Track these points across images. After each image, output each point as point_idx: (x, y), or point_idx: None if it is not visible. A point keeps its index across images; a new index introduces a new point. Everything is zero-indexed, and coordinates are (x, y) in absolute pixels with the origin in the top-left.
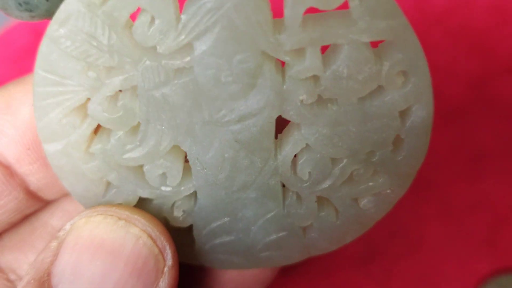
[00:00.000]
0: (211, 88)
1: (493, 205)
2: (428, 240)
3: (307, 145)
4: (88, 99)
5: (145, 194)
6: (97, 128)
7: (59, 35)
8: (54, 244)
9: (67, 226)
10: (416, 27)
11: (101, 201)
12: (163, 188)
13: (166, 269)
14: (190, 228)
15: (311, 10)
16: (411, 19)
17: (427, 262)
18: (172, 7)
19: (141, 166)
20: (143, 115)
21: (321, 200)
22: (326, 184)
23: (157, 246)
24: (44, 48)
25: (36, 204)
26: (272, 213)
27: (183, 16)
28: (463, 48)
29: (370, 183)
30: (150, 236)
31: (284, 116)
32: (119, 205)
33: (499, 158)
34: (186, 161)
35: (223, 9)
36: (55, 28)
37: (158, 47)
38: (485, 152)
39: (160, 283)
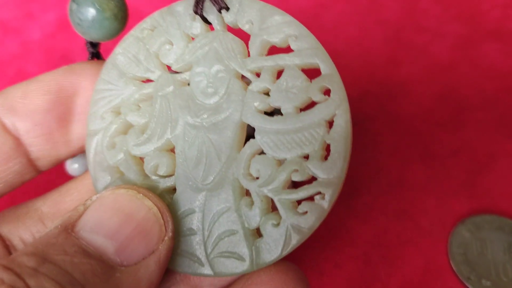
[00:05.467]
0: (199, 96)
1: (472, 153)
2: (410, 180)
3: (260, 149)
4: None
5: (138, 181)
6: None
7: (117, 53)
8: (81, 208)
9: (94, 197)
10: None
11: (108, 184)
12: (153, 177)
13: (166, 238)
14: None
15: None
16: None
17: (408, 199)
18: (185, 40)
19: (142, 158)
20: (156, 112)
21: (268, 207)
22: (273, 184)
23: (163, 218)
24: (108, 61)
25: (32, 171)
26: (229, 209)
27: (189, 45)
28: (451, 14)
29: (305, 185)
30: (159, 210)
31: (243, 119)
32: (137, 186)
33: (480, 111)
34: None
35: (212, 42)
36: (117, 50)
37: (173, 63)
38: (467, 105)
39: (160, 247)
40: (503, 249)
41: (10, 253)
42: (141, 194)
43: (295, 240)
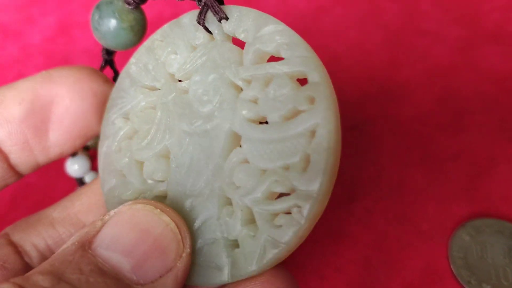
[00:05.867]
0: (195, 104)
1: (473, 156)
2: (410, 184)
3: (246, 158)
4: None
5: (138, 185)
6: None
7: (131, 63)
8: (98, 223)
9: (112, 213)
10: None
11: (112, 186)
12: (149, 181)
13: (184, 254)
14: None
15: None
16: None
17: (408, 203)
18: (188, 50)
19: (142, 163)
20: (157, 119)
21: (249, 218)
22: (253, 194)
23: (180, 234)
24: (123, 70)
25: (15, 175)
26: (212, 217)
27: (191, 54)
28: (451, 17)
29: (284, 197)
30: (177, 225)
31: (232, 127)
32: (155, 201)
33: (480, 114)
34: None
35: (211, 52)
36: (131, 60)
37: (176, 72)
38: (467, 109)
39: (178, 264)
40: (503, 253)
41: (23, 259)
42: (159, 210)
43: (271, 254)
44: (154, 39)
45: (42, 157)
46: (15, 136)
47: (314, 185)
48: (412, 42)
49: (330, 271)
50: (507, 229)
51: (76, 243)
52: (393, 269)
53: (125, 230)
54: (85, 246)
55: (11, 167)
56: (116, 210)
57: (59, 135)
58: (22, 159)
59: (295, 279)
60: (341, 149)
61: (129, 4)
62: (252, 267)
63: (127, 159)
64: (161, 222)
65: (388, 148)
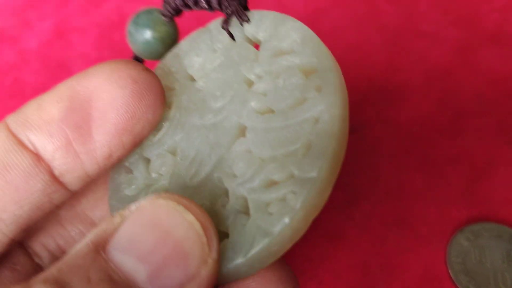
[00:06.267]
0: (209, 100)
1: (472, 160)
2: (409, 188)
3: (249, 148)
4: None
5: (141, 180)
6: None
7: (157, 67)
8: (117, 219)
9: (133, 207)
10: None
11: (118, 183)
12: (153, 175)
13: (210, 260)
14: None
15: None
16: None
17: (407, 207)
18: (210, 52)
19: (149, 159)
20: (170, 116)
21: (243, 207)
22: (251, 183)
23: (206, 236)
24: None
25: (60, 190)
26: (206, 208)
27: (211, 56)
28: (450, 18)
29: (280, 184)
30: (203, 226)
31: (240, 119)
32: (180, 195)
33: (479, 117)
34: None
35: (230, 51)
36: (158, 65)
37: (195, 73)
38: (466, 111)
39: (202, 271)
40: (502, 258)
41: (33, 260)
42: (182, 206)
43: (260, 244)
44: (181, 46)
45: (88, 161)
46: (56, 138)
47: (313, 171)
48: (411, 44)
49: (328, 276)
50: (506, 234)
51: (90, 243)
52: (391, 274)
53: (144, 230)
54: (99, 247)
55: (55, 178)
56: (137, 204)
57: (104, 132)
58: (67, 166)
59: (297, 280)
60: (347, 137)
61: (165, 16)
62: (239, 259)
63: (136, 156)
64: (184, 222)
65: (387, 152)
